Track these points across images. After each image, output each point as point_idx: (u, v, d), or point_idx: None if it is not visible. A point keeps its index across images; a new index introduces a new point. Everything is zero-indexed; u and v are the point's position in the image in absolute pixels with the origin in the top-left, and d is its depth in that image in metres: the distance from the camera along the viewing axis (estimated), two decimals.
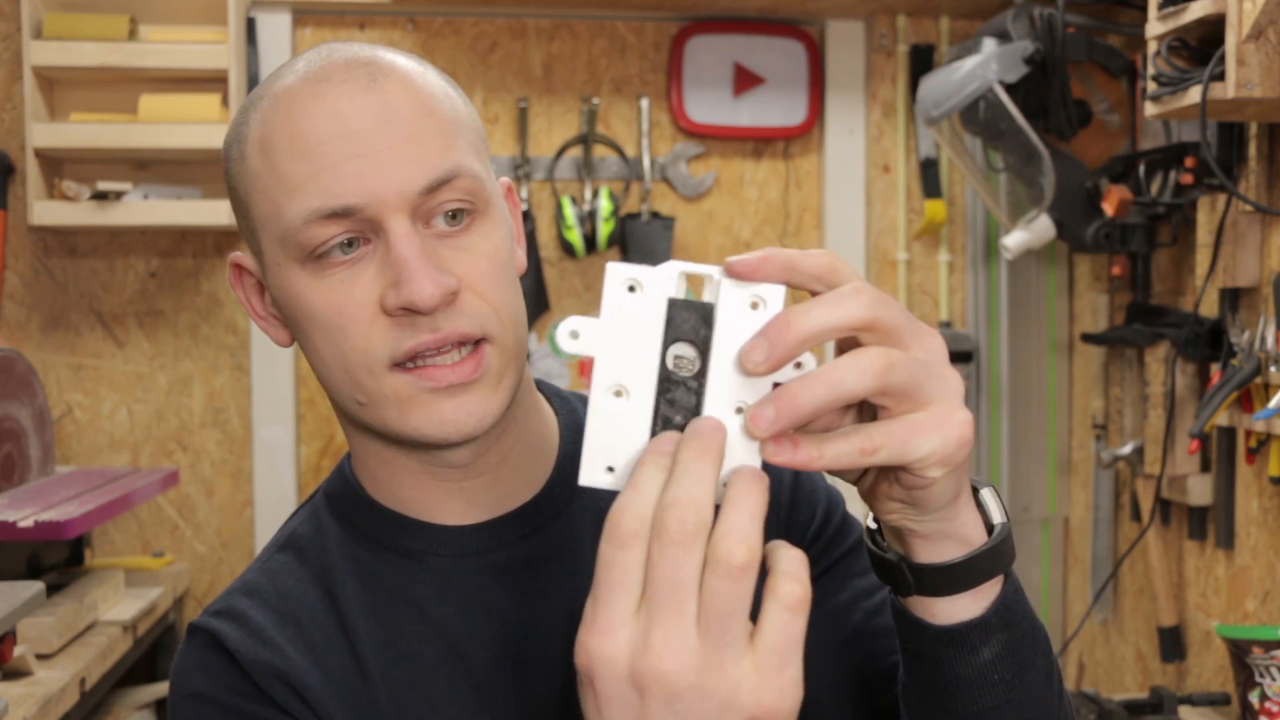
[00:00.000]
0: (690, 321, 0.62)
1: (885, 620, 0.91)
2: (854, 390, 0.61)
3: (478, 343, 0.83)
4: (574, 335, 0.62)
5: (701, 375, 0.62)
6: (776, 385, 0.62)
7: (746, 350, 0.61)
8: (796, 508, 0.96)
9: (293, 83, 0.83)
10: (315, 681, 0.85)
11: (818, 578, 0.94)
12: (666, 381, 0.62)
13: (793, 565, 0.60)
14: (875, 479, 0.70)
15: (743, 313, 0.62)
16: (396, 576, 0.89)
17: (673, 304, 0.62)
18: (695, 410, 0.62)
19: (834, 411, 0.67)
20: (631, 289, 0.62)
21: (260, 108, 0.84)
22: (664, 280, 0.62)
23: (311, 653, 0.86)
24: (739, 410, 0.62)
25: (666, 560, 0.57)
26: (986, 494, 0.73)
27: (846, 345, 0.65)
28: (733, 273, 0.62)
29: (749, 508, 0.59)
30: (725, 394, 0.62)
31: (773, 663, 0.58)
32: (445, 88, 0.87)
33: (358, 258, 0.81)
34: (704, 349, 0.62)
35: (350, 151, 0.80)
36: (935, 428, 0.63)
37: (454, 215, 0.83)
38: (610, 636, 0.58)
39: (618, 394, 0.62)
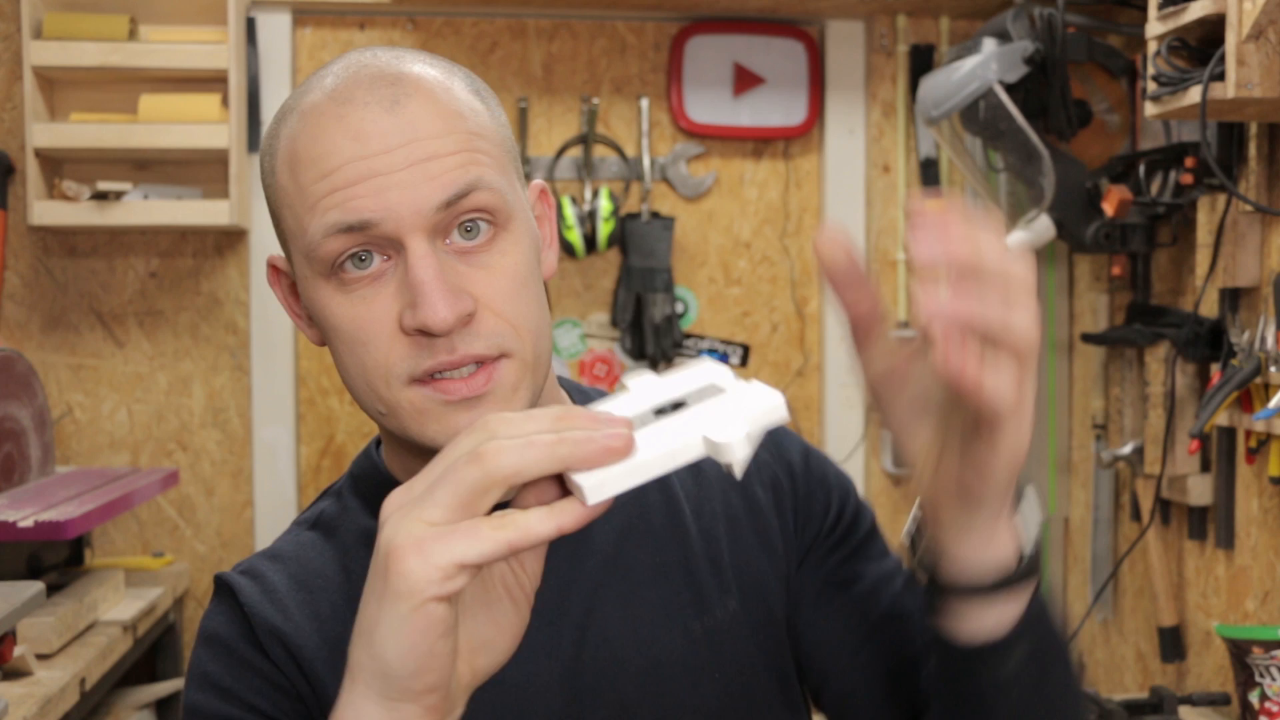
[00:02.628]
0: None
1: (912, 602, 0.95)
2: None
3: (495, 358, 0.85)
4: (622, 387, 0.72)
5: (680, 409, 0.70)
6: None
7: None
8: (811, 496, 0.99)
9: (319, 100, 0.85)
10: (312, 645, 0.89)
11: (841, 563, 0.98)
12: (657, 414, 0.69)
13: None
14: (950, 469, 0.73)
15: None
16: None
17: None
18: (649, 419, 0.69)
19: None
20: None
21: (289, 122, 0.86)
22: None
23: (316, 619, 0.91)
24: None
25: (452, 458, 0.66)
26: (1028, 496, 0.77)
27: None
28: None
29: (515, 454, 0.65)
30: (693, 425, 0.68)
31: (443, 496, 0.65)
32: (472, 100, 0.87)
33: (378, 273, 0.84)
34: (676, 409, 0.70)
35: (369, 171, 0.82)
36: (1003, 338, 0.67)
37: (472, 229, 0.84)
38: (404, 492, 0.67)
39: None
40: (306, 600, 0.91)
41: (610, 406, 0.70)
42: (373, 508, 0.94)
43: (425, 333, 0.82)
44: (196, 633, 0.95)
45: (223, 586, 0.93)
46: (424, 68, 0.87)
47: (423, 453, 0.90)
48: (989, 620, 0.76)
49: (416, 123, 0.83)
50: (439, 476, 0.65)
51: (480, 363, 0.84)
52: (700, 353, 2.63)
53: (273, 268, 0.94)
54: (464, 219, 0.84)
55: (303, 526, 0.98)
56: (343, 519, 0.96)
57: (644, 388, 0.72)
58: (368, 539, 0.93)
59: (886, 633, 0.94)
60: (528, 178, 2.53)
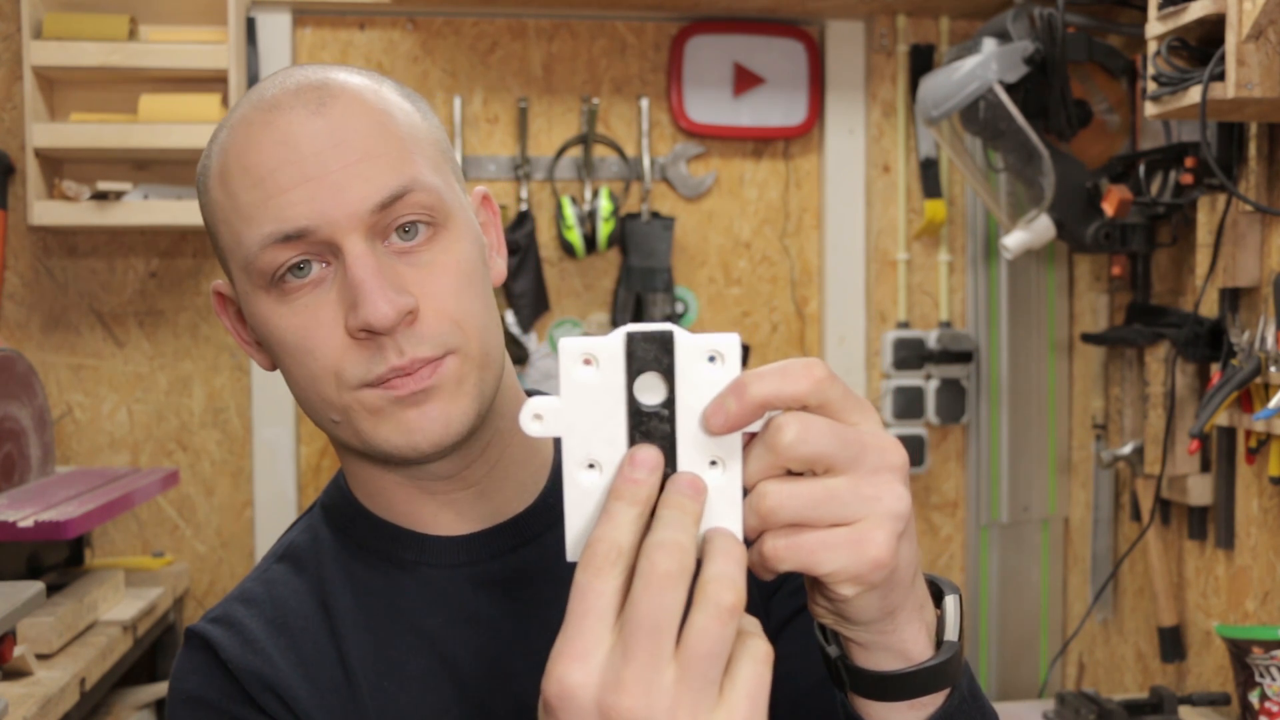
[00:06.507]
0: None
1: None
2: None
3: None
4: (537, 418, 0.60)
5: (671, 434, 0.60)
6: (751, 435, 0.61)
7: (710, 412, 0.60)
8: None
9: (246, 112, 0.84)
10: (304, 693, 0.86)
11: (789, 619, 0.93)
12: None
13: (757, 623, 0.60)
14: (810, 583, 0.66)
15: (701, 368, 0.61)
16: (388, 588, 0.90)
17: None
18: (671, 469, 0.60)
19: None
20: (586, 362, 0.60)
21: (220, 138, 0.86)
22: (618, 348, 0.60)
23: (302, 664, 0.87)
24: (713, 464, 0.61)
25: (651, 598, 0.55)
26: (949, 604, 0.70)
27: None
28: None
29: (735, 557, 0.58)
30: (697, 450, 0.61)
31: (742, 711, 0.56)
32: (402, 103, 0.87)
33: (318, 280, 0.82)
34: (670, 409, 0.60)
35: (301, 175, 0.81)
36: (846, 545, 0.60)
37: (411, 230, 0.83)
38: (582, 664, 0.56)
39: (591, 466, 0.61)
40: (288, 644, 0.88)
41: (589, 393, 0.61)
42: (345, 540, 0.92)
43: (370, 332, 0.80)
44: (169, 692, 0.90)
45: (196, 640, 0.89)
46: (349, 75, 0.86)
47: (379, 461, 0.88)
48: (895, 711, 0.69)
49: (346, 123, 0.82)
50: (669, 651, 0.55)
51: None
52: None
53: (218, 295, 0.91)
54: (402, 220, 0.83)
55: (271, 560, 0.95)
56: (315, 551, 0.93)
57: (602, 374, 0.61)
58: (349, 577, 0.90)
59: (823, 698, 0.87)
60: (527, 177, 2.55)
